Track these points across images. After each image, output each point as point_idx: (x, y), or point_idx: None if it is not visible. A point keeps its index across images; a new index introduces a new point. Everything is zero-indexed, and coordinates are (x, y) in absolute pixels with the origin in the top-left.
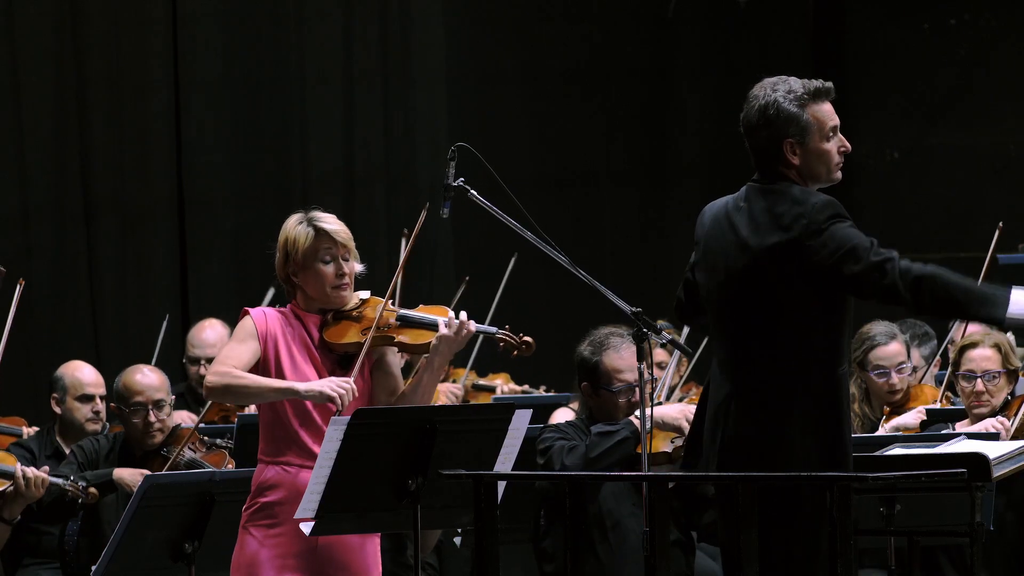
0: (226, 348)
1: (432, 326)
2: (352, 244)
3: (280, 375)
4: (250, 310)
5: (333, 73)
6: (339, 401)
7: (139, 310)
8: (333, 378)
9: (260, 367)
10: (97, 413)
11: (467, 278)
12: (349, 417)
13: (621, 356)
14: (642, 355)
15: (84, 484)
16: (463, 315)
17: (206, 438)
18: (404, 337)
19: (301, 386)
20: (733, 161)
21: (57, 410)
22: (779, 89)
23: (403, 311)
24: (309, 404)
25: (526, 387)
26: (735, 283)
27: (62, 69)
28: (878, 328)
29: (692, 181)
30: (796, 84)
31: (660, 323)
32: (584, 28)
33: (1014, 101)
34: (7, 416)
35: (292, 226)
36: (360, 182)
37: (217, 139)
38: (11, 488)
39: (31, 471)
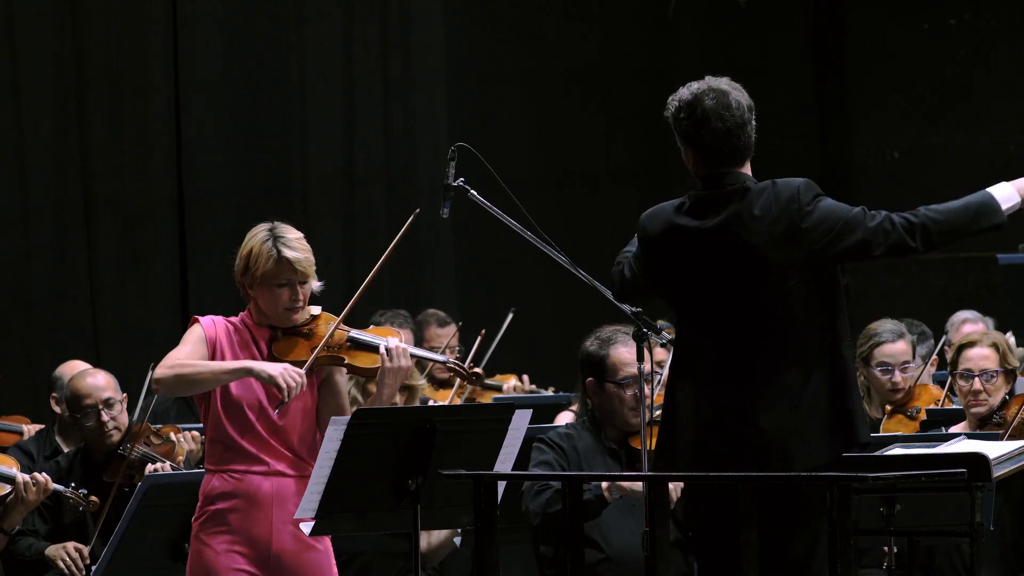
0: (174, 350)
1: (378, 350)
2: (312, 268)
3: (226, 392)
4: (200, 318)
5: (333, 73)
6: (286, 391)
7: (139, 310)
8: (288, 366)
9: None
10: None
11: (483, 331)
12: (349, 417)
13: (628, 349)
14: (642, 355)
15: (85, 492)
16: (401, 344)
17: (162, 429)
18: (354, 360)
19: (255, 365)
20: None
21: (57, 410)
22: (736, 86)
23: (354, 332)
24: (249, 413)
25: (533, 387)
26: (739, 281)
27: (62, 69)
28: (886, 326)
29: (692, 181)
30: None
31: (660, 323)
32: (584, 28)
33: (1014, 101)
34: (9, 415)
35: (258, 242)
36: (360, 182)
37: (217, 139)
38: (11, 495)
39: (31, 476)
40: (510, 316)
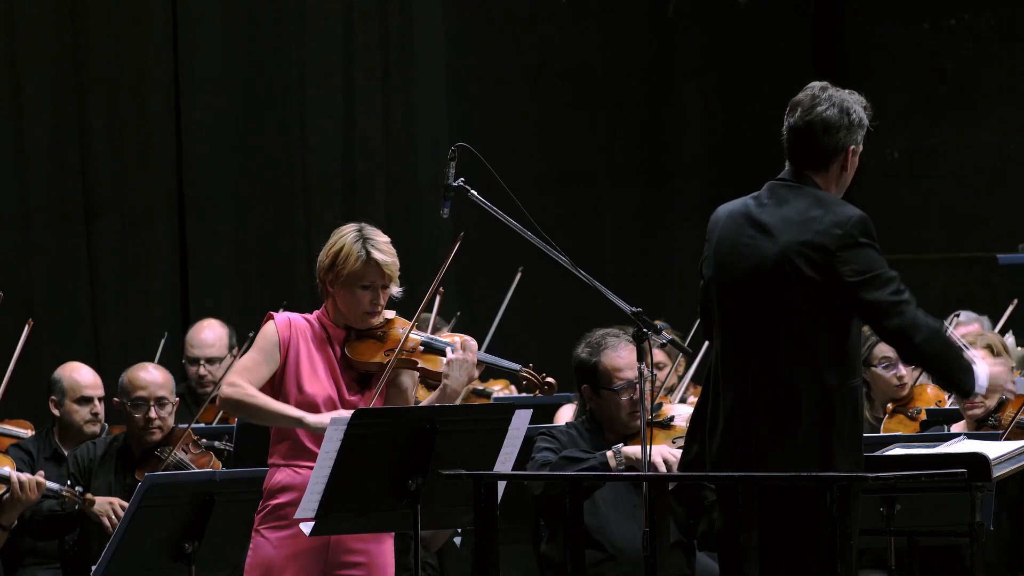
0: (246, 357)
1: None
2: (397, 273)
3: (299, 383)
4: (275, 316)
5: (333, 72)
6: None
7: (139, 310)
8: (344, 411)
9: (279, 375)
10: (96, 415)
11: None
12: (349, 417)
13: (619, 355)
14: (642, 355)
15: (80, 490)
16: (472, 344)
17: (203, 440)
18: (427, 364)
19: (311, 419)
20: (733, 160)
21: (56, 412)
22: (852, 99)
23: (427, 337)
24: (323, 411)
25: (524, 395)
26: (755, 279)
27: (62, 69)
28: None
29: (692, 181)
30: (862, 100)
31: (660, 323)
32: (584, 28)
33: (1014, 101)
34: (13, 419)
35: (349, 240)
36: (360, 182)
37: (217, 139)
38: (7, 494)
39: (26, 476)
40: (518, 275)
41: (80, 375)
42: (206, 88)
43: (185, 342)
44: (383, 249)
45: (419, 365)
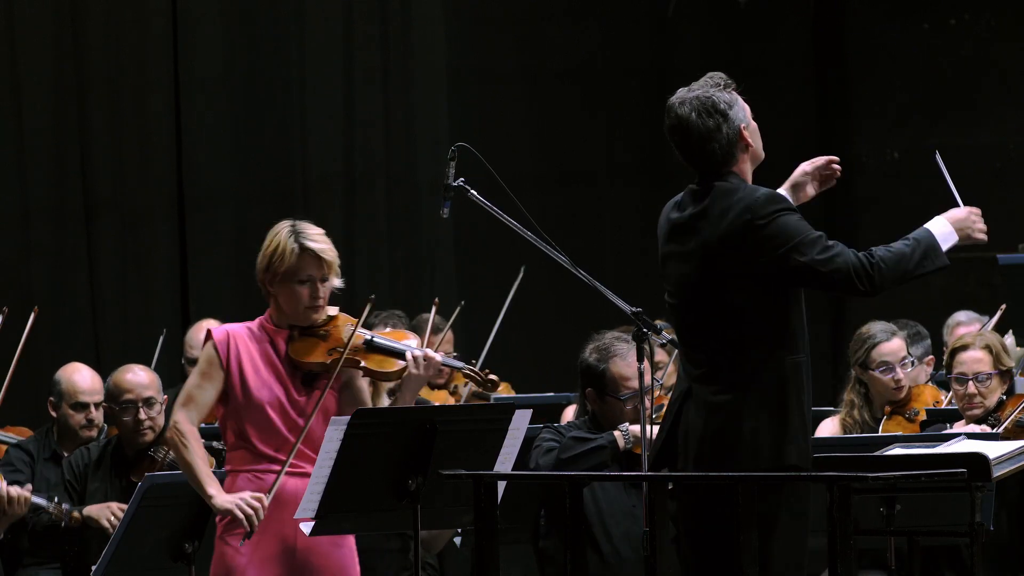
0: (189, 383)
1: (398, 355)
2: (336, 263)
3: (247, 395)
4: (213, 332)
5: (333, 73)
6: (245, 523)
7: (139, 310)
8: (246, 495)
9: (227, 390)
10: (91, 421)
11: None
12: (349, 417)
13: (628, 364)
14: (642, 355)
15: (68, 508)
16: (428, 350)
17: None
18: (369, 363)
19: (216, 499)
20: None
21: (53, 414)
22: (704, 88)
23: (370, 336)
24: (271, 412)
25: (525, 396)
26: (687, 282)
27: (62, 69)
28: (877, 327)
29: (692, 181)
30: (713, 78)
31: (660, 323)
32: (584, 28)
33: (1014, 101)
34: (14, 426)
35: (281, 237)
36: (360, 182)
37: (217, 139)
38: None
39: (14, 490)
40: (520, 274)
41: (78, 379)
42: (206, 88)
43: (184, 342)
44: (317, 239)
45: (361, 364)
